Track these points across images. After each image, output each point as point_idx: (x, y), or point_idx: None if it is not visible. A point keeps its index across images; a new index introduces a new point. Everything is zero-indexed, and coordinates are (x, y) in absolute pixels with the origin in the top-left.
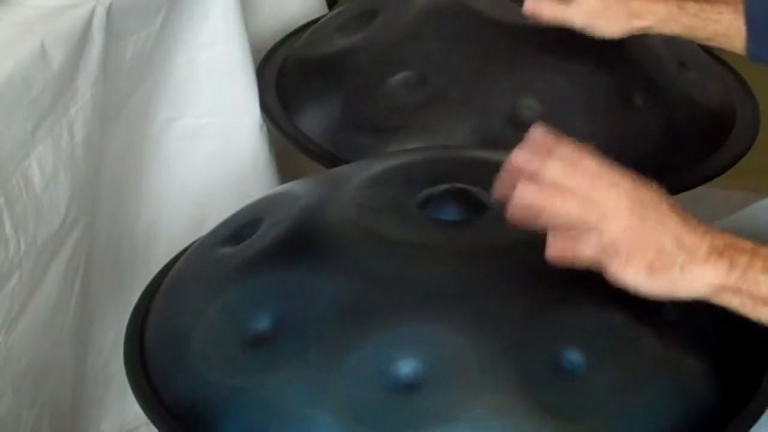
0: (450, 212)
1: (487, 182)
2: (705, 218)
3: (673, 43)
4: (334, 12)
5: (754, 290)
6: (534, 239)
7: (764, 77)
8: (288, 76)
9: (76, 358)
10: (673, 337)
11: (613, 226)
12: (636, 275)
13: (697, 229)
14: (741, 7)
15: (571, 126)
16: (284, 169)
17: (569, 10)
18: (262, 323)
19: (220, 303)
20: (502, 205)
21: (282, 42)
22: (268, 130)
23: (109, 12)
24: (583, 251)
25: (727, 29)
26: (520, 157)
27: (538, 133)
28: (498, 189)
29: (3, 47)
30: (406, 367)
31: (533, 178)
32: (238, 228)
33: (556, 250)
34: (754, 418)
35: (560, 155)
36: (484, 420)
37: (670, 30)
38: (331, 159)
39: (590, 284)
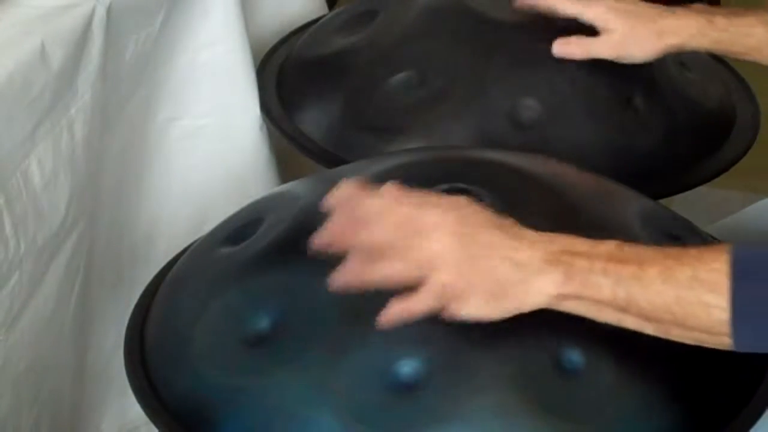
0: None
1: (487, 182)
2: (705, 218)
3: None
4: (334, 12)
5: (595, 295)
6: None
7: (764, 77)
8: (288, 76)
9: (76, 358)
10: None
11: (442, 272)
12: (478, 308)
13: (524, 239)
14: None
15: (571, 126)
16: (284, 169)
17: (598, 44)
18: (262, 323)
19: (220, 303)
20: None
21: (282, 42)
22: (268, 130)
23: (109, 12)
24: (418, 306)
25: (758, 42)
26: (332, 227)
27: (342, 193)
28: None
29: (3, 47)
30: (406, 367)
31: (349, 248)
32: (238, 228)
33: (388, 314)
34: (755, 418)
35: (367, 213)
36: (484, 420)
37: (701, 45)
38: (331, 159)
39: None
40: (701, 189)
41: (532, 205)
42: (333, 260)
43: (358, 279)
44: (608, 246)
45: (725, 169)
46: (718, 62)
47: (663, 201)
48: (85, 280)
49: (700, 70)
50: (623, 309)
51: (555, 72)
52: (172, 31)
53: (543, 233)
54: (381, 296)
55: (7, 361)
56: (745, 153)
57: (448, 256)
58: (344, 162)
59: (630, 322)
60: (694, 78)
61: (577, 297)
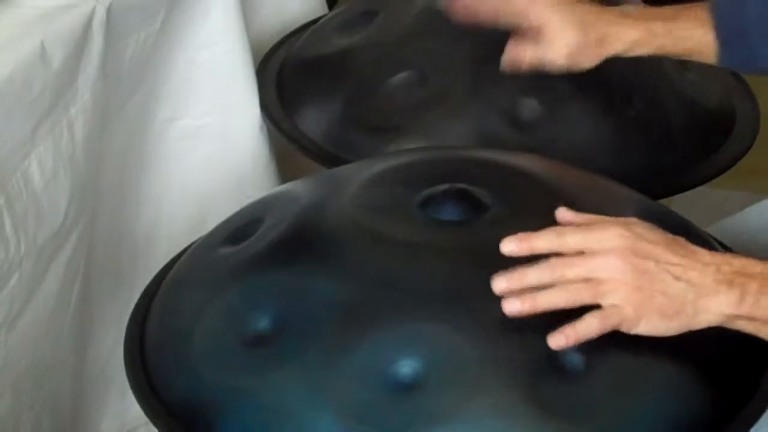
0: (450, 212)
1: (487, 182)
2: (705, 218)
3: None
4: (334, 12)
5: (767, 315)
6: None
7: (764, 77)
8: (288, 76)
9: (76, 358)
10: (673, 337)
11: (617, 293)
12: (651, 326)
13: (699, 259)
14: (709, 21)
15: (571, 126)
16: (284, 169)
17: (550, 52)
18: (262, 323)
19: (220, 303)
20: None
21: (282, 42)
22: (268, 130)
23: (109, 12)
24: (589, 331)
25: (698, 44)
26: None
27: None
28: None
29: (3, 47)
30: (406, 367)
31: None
32: (238, 228)
33: (558, 338)
34: (754, 419)
35: (538, 247)
36: (484, 420)
37: (641, 53)
38: (331, 159)
39: None
40: (701, 189)
41: (531, 205)
42: (333, 261)
43: (532, 304)
44: None
45: (725, 169)
46: None
47: (663, 201)
48: (85, 280)
49: (700, 71)
50: None
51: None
52: (172, 31)
53: (717, 253)
54: (381, 296)
55: (7, 361)
56: (745, 153)
57: (624, 276)
58: (344, 162)
59: None
60: (694, 78)
61: (750, 318)
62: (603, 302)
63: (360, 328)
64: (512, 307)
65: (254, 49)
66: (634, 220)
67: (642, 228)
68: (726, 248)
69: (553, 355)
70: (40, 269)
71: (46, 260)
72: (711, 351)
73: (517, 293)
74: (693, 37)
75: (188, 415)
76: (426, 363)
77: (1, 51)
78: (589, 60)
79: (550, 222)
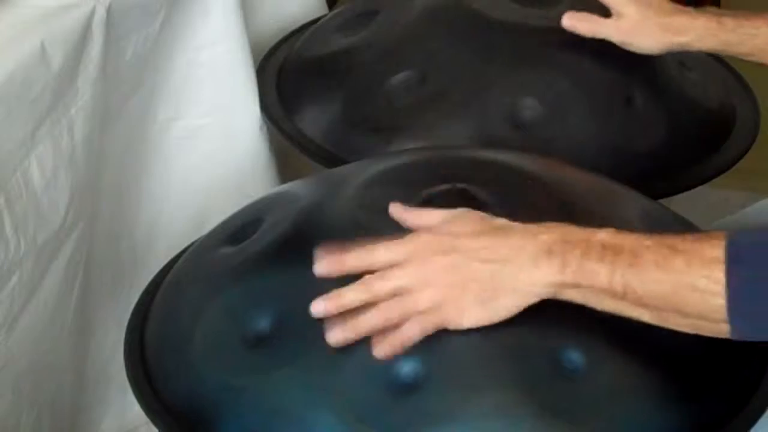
0: None
1: (487, 182)
2: (705, 218)
3: None
4: (334, 12)
5: (594, 281)
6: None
7: (764, 77)
8: (288, 76)
9: (76, 358)
10: (673, 338)
11: (429, 297)
12: (474, 315)
13: (511, 236)
14: None
15: (571, 126)
16: (284, 169)
17: (607, 25)
18: (262, 323)
19: (220, 303)
20: None
21: (282, 42)
22: (268, 130)
23: (109, 12)
24: (411, 335)
25: (765, 42)
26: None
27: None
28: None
29: (3, 47)
30: (407, 367)
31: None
32: (238, 228)
33: (384, 350)
34: (755, 419)
35: (349, 267)
36: (484, 420)
37: (708, 46)
38: (331, 159)
39: None
40: (701, 189)
41: (532, 205)
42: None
43: (353, 331)
44: (603, 234)
45: (725, 169)
46: (718, 62)
47: (663, 201)
48: (85, 280)
49: (700, 70)
50: (621, 296)
51: (555, 72)
52: (172, 31)
53: (538, 224)
54: None
55: (7, 361)
56: (745, 153)
57: (430, 278)
58: (344, 162)
59: (628, 310)
60: (694, 78)
61: (575, 285)
62: (421, 309)
63: None
64: (335, 337)
65: (254, 49)
66: (457, 212)
67: (451, 223)
68: None
69: (553, 356)
70: (40, 269)
71: (46, 260)
72: (711, 351)
73: (337, 317)
74: (760, 36)
75: (188, 415)
76: (426, 363)
77: (1, 51)
78: (652, 43)
79: (550, 221)
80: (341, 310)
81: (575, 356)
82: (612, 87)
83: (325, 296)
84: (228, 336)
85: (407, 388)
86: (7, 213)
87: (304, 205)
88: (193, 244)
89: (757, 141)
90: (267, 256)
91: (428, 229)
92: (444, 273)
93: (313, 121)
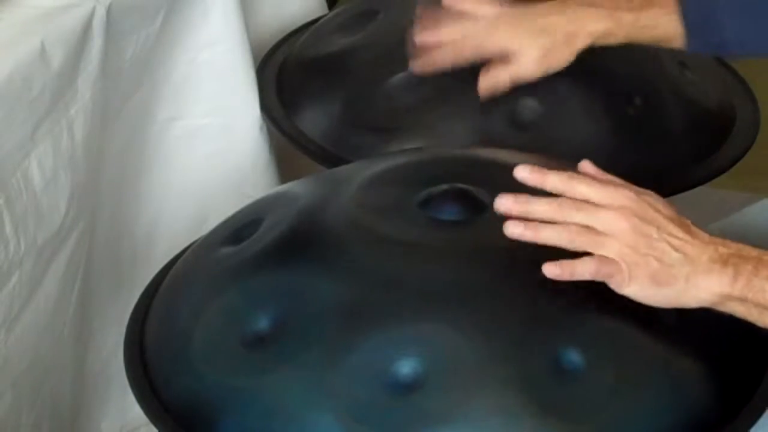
0: (450, 212)
1: (487, 182)
2: (705, 218)
3: None
4: (334, 12)
5: (759, 298)
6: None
7: (764, 77)
8: (288, 76)
9: (76, 358)
10: (673, 337)
11: (613, 247)
12: (641, 288)
13: (698, 238)
14: (676, 8)
15: (571, 126)
16: (284, 169)
17: (522, 68)
18: (262, 323)
19: (220, 303)
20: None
21: (282, 42)
22: (268, 130)
23: (109, 12)
24: (584, 271)
25: (665, 32)
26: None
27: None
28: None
29: (3, 47)
30: (406, 367)
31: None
32: (238, 228)
33: (554, 269)
34: (754, 419)
35: (549, 182)
36: (484, 420)
37: (609, 43)
38: (331, 159)
39: (591, 284)
40: (701, 189)
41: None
42: (333, 261)
43: (534, 233)
44: None
45: (725, 169)
46: (718, 62)
47: None
48: (85, 280)
49: (700, 70)
50: None
51: (555, 72)
52: (172, 31)
53: (716, 237)
54: (381, 296)
55: (7, 361)
56: (745, 153)
57: (625, 231)
58: (344, 162)
59: None
60: (694, 78)
61: (741, 299)
62: (600, 252)
63: (360, 327)
64: (514, 229)
65: (254, 49)
66: (649, 191)
67: (652, 198)
68: None
69: (553, 356)
70: (40, 269)
71: (46, 260)
72: (711, 350)
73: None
74: (660, 26)
75: (188, 415)
76: (426, 363)
77: (1, 51)
78: (562, 60)
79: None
80: (524, 215)
81: (575, 356)
82: (612, 87)
83: (513, 196)
84: (228, 336)
85: (407, 388)
86: (7, 213)
87: (304, 205)
88: (193, 244)
89: (757, 141)
90: (267, 256)
91: (632, 188)
92: (635, 236)
93: (313, 121)
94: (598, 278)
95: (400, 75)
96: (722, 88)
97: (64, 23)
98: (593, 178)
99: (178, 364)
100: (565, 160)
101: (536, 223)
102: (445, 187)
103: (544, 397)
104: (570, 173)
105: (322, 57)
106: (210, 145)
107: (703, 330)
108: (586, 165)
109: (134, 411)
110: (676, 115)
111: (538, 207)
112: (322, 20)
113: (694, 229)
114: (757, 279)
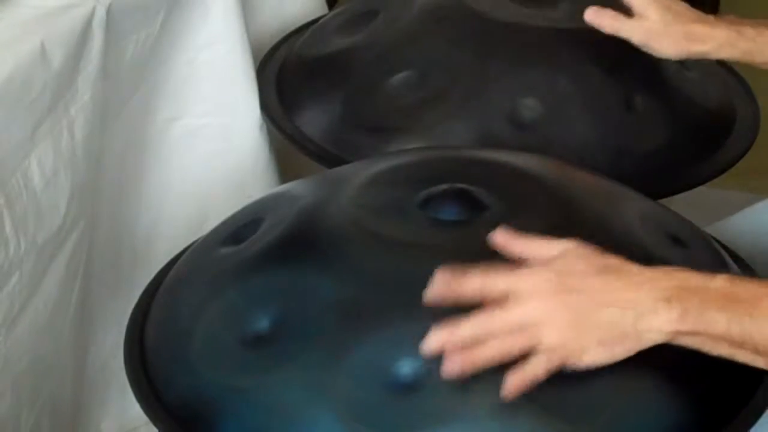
0: (450, 212)
1: (487, 182)
2: (705, 218)
3: None
4: (334, 12)
5: (710, 330)
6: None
7: (764, 77)
8: (288, 76)
9: (76, 358)
10: None
11: (552, 334)
12: (594, 357)
13: (634, 279)
14: None
15: (571, 126)
16: (284, 169)
17: (629, 25)
18: (262, 323)
19: (220, 303)
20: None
21: (282, 42)
22: (268, 130)
23: (109, 12)
24: (537, 372)
25: None
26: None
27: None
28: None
29: (3, 47)
30: (406, 367)
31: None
32: (238, 228)
33: (510, 387)
34: (754, 419)
35: (463, 294)
36: (484, 420)
37: (727, 55)
38: (331, 159)
39: None
40: (701, 189)
41: (531, 206)
42: (333, 261)
43: (471, 363)
44: (720, 281)
45: (725, 169)
46: (718, 62)
47: (663, 201)
48: (85, 280)
49: (700, 70)
50: (738, 345)
51: (555, 72)
52: (172, 31)
53: (655, 268)
54: (381, 296)
55: (7, 361)
56: (745, 153)
57: (555, 317)
58: (344, 162)
59: (742, 357)
60: (694, 78)
61: (693, 333)
62: (540, 346)
63: (360, 327)
64: (453, 369)
65: (254, 49)
66: (568, 247)
67: (574, 256)
68: (726, 248)
69: None
70: (40, 269)
71: (46, 260)
72: None
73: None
74: None
75: (188, 415)
76: (426, 363)
77: (1, 51)
78: (672, 49)
79: (549, 222)
80: (457, 344)
81: None
82: (612, 87)
83: (439, 330)
84: (228, 336)
85: (407, 388)
86: (7, 213)
87: (304, 205)
88: (193, 244)
89: (757, 141)
90: (267, 256)
91: (545, 264)
92: (567, 312)
93: (313, 121)
94: (554, 369)
95: (400, 75)
96: (722, 88)
97: (64, 23)
98: (507, 251)
99: (178, 364)
100: (565, 160)
101: (470, 353)
102: (445, 187)
103: (544, 397)
104: (482, 273)
105: (322, 57)
106: (210, 145)
107: None
108: (498, 236)
109: (134, 411)
110: (676, 115)
111: (464, 330)
112: (322, 20)
113: (627, 269)
114: (708, 311)
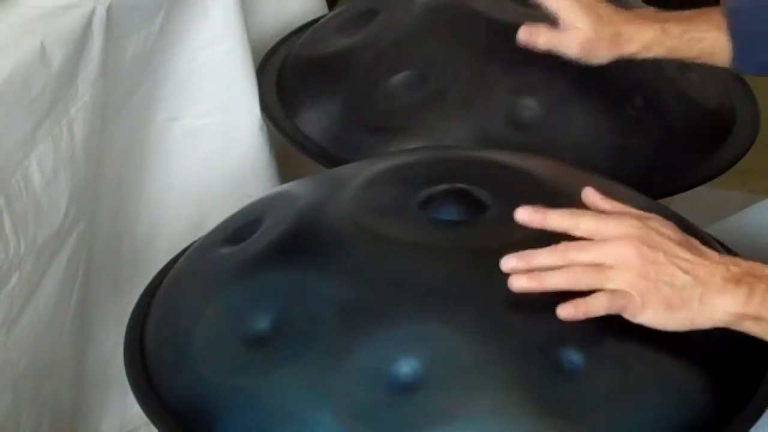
0: (450, 212)
1: (487, 182)
2: (705, 218)
3: None
4: (334, 12)
5: None
6: (534, 239)
7: (764, 77)
8: (288, 76)
9: (76, 358)
10: (673, 337)
11: (622, 278)
12: (654, 315)
13: (708, 258)
14: (723, 24)
15: (571, 126)
16: (284, 169)
17: (563, 39)
18: (262, 323)
19: (220, 303)
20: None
21: (282, 42)
22: (268, 130)
23: (109, 12)
24: (597, 307)
25: (711, 47)
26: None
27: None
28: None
29: (3, 47)
30: (406, 367)
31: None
32: (238, 228)
33: (569, 310)
34: (754, 419)
35: (548, 225)
36: (484, 420)
37: (654, 54)
38: (331, 159)
39: None
40: (701, 189)
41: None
42: (333, 261)
43: (539, 282)
44: None
45: (725, 169)
46: None
47: (663, 201)
48: (85, 280)
49: (700, 70)
50: None
51: (555, 72)
52: (172, 31)
53: (726, 255)
54: (381, 296)
55: (7, 361)
56: (745, 153)
57: (631, 263)
58: (344, 162)
59: None
60: (694, 78)
61: (756, 318)
62: (608, 286)
63: (360, 328)
64: (519, 283)
65: (254, 49)
66: (652, 215)
67: (657, 222)
68: (726, 248)
69: (553, 356)
70: (40, 269)
71: (46, 260)
72: (711, 351)
73: (525, 272)
74: (706, 40)
75: (188, 415)
76: (426, 363)
77: (1, 51)
78: (602, 55)
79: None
80: (530, 267)
81: (575, 356)
82: (612, 87)
83: (517, 254)
84: (228, 336)
85: (407, 388)
86: (7, 213)
87: (304, 205)
88: (193, 244)
89: (757, 141)
90: (267, 256)
91: (634, 216)
92: (644, 264)
93: (313, 121)
94: (612, 312)
95: (400, 75)
96: (722, 88)
97: (64, 23)
98: (595, 207)
99: (178, 364)
100: (564, 160)
101: (538, 272)
102: (445, 187)
103: (544, 397)
104: (571, 210)
105: (322, 57)
106: (210, 145)
107: (703, 330)
108: (589, 192)
109: (134, 411)
110: (676, 115)
111: (543, 258)
112: (322, 20)
113: (703, 249)
114: None
